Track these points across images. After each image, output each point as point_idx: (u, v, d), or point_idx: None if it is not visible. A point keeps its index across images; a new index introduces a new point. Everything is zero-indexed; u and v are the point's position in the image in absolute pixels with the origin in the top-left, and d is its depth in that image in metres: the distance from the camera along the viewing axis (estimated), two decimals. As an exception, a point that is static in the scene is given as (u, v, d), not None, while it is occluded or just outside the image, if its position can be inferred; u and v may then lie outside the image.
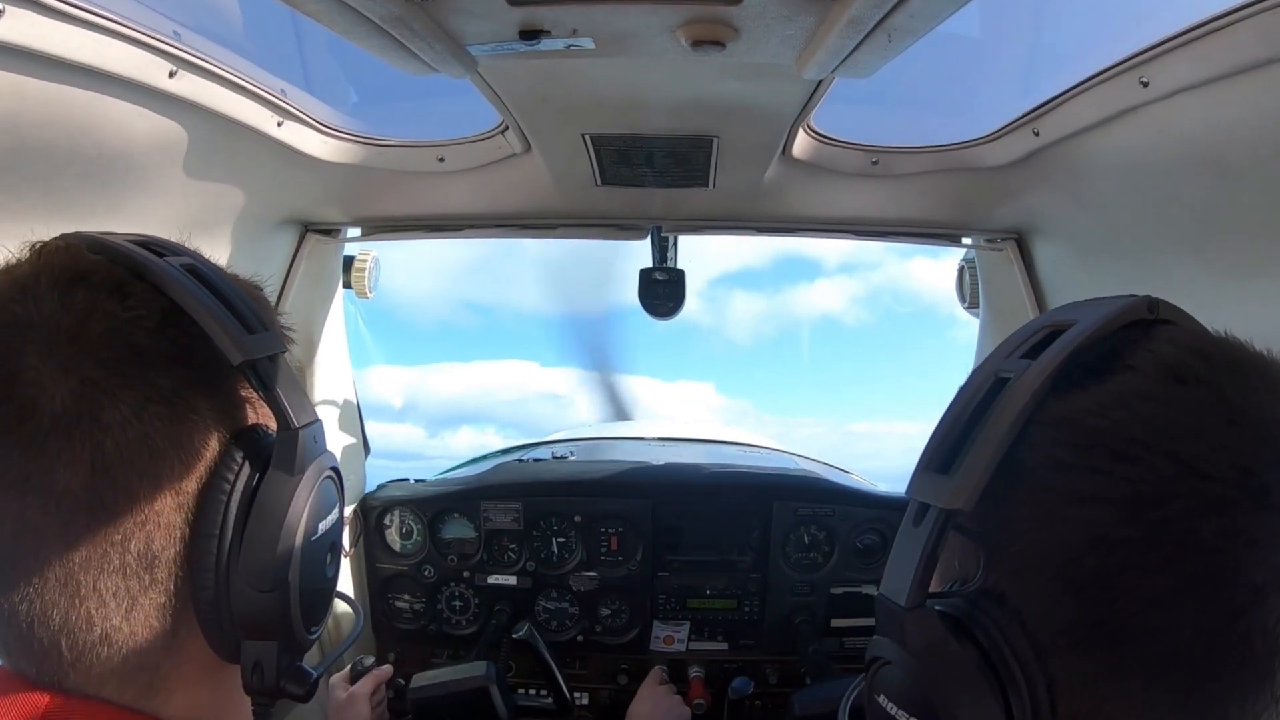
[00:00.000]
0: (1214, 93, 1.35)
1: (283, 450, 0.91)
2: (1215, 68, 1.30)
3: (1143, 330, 0.78)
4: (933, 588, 0.82)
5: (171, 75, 1.51)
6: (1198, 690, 0.68)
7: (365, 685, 2.36)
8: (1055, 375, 0.75)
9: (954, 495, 0.74)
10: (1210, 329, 0.80)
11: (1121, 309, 0.78)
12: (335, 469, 1.00)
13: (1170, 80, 1.41)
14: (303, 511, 0.92)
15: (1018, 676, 0.72)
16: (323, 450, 0.97)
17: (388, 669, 2.49)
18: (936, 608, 0.78)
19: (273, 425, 0.93)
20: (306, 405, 0.94)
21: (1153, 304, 0.80)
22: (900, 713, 0.78)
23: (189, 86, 1.57)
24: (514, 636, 2.45)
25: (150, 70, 1.47)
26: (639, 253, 2.65)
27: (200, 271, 0.91)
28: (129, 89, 1.47)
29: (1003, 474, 0.74)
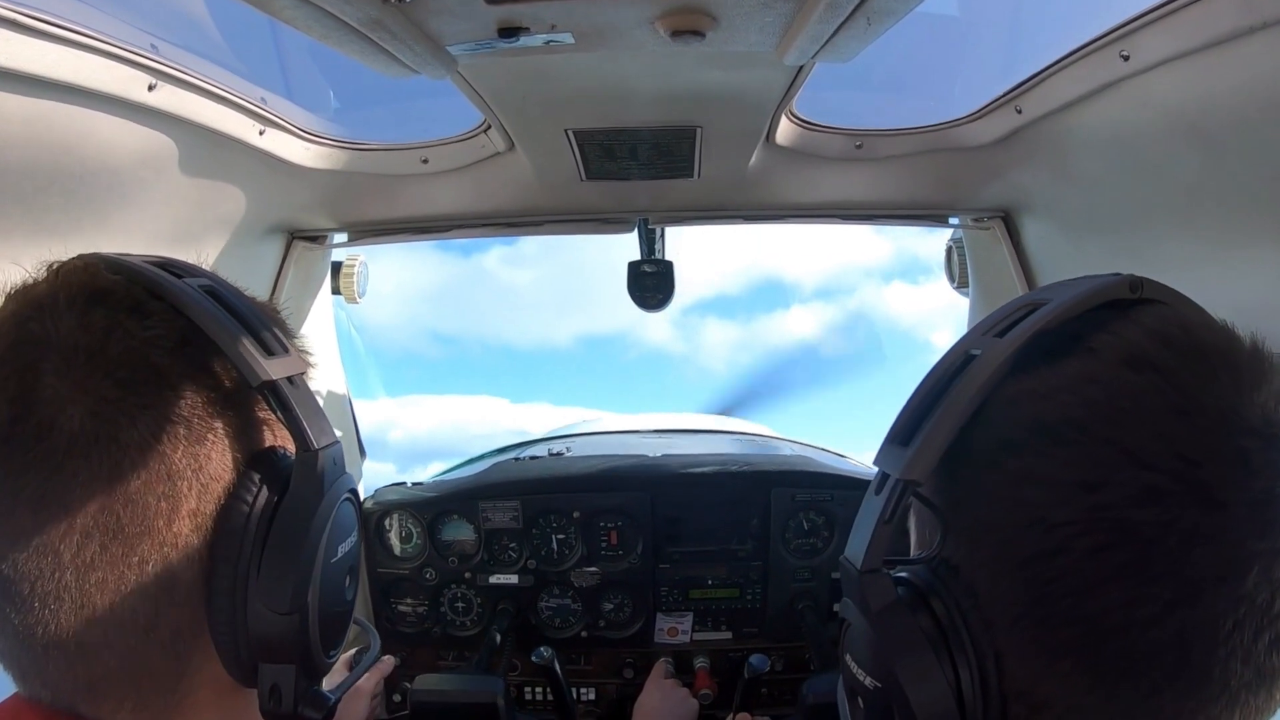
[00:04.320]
0: (1195, 64, 1.35)
1: (302, 472, 0.90)
2: (1196, 39, 1.30)
3: (1118, 311, 0.78)
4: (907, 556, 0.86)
5: (151, 88, 1.51)
6: (1128, 680, 0.68)
7: (369, 680, 2.36)
8: (1017, 354, 0.76)
9: (910, 466, 0.77)
10: (1213, 313, 0.80)
11: (1095, 289, 0.79)
12: (354, 491, 0.99)
13: (1151, 53, 1.41)
14: (322, 534, 0.91)
15: (967, 647, 0.74)
16: (342, 472, 0.96)
17: (390, 661, 2.51)
18: (895, 574, 0.81)
19: (291, 447, 0.92)
20: (326, 427, 0.93)
21: (1135, 283, 0.80)
22: (860, 671, 0.81)
23: (169, 99, 1.56)
24: (535, 660, 2.45)
25: (130, 84, 1.46)
26: (627, 246, 2.65)
27: (219, 293, 0.90)
28: (109, 104, 1.46)
29: (958, 449, 0.76)
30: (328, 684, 0.98)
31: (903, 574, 0.82)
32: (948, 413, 0.76)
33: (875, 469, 0.82)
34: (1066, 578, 0.69)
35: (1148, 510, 0.66)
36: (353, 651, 2.27)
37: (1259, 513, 0.66)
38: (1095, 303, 0.78)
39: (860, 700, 0.82)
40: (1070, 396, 0.72)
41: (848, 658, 0.83)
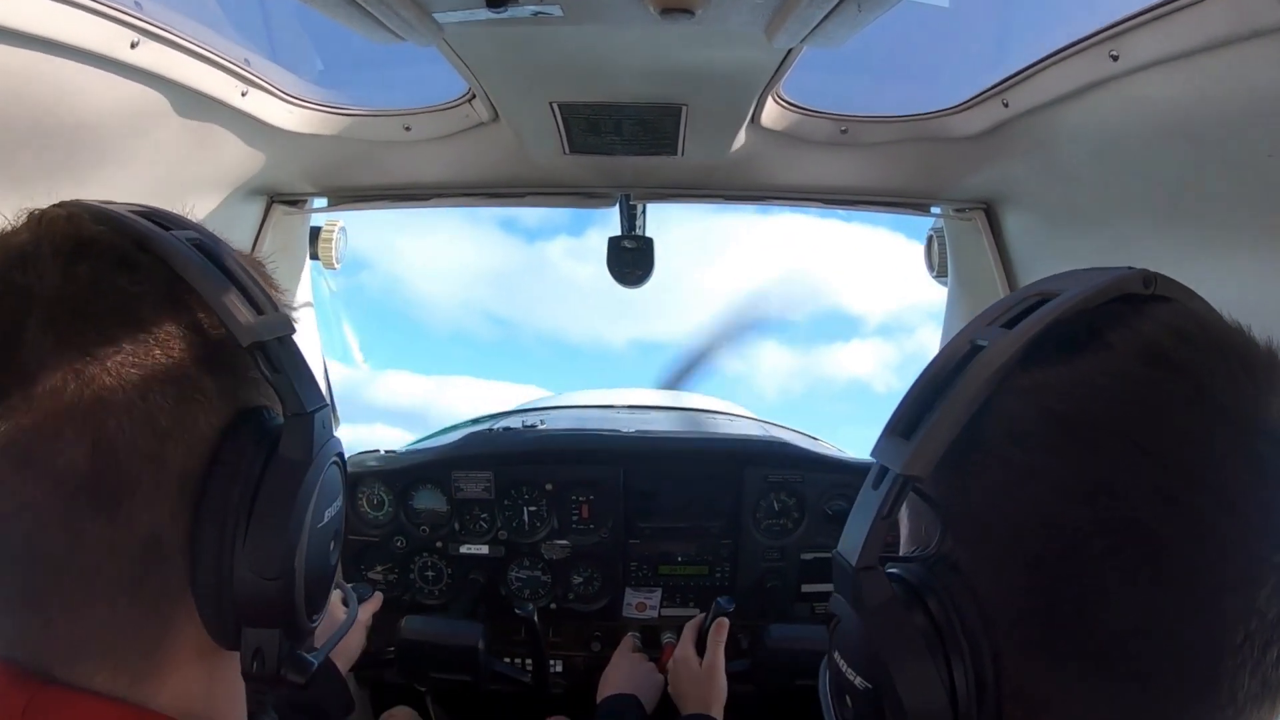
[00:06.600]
0: (1185, 67, 1.35)
1: (291, 435, 0.88)
2: (1186, 43, 1.30)
3: (1132, 306, 0.74)
4: (902, 553, 0.83)
5: (133, 46, 1.48)
6: (1135, 685, 0.66)
7: (364, 611, 2.42)
8: (1028, 347, 0.72)
9: (911, 461, 0.72)
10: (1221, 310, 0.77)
11: (1110, 282, 0.75)
12: (341, 455, 0.97)
13: (1141, 54, 1.41)
14: (310, 498, 0.89)
15: (963, 646, 0.71)
16: (330, 436, 0.94)
17: (379, 597, 2.54)
18: (891, 570, 0.78)
19: (280, 408, 0.89)
20: (315, 389, 0.91)
21: (1149, 278, 0.76)
22: (850, 671, 0.78)
23: (151, 57, 1.54)
24: (517, 611, 2.50)
25: (111, 41, 1.44)
26: (609, 221, 2.65)
27: (207, 246, 0.87)
28: (90, 60, 1.44)
29: (962, 443, 0.72)
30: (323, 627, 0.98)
31: (897, 570, 0.79)
32: (953, 405, 0.72)
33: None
34: (1074, 580, 0.66)
35: (1164, 513, 0.64)
36: (349, 586, 2.29)
37: (1273, 522, 0.64)
38: (1108, 296, 0.74)
39: (849, 700, 0.79)
40: (1084, 391, 0.69)
41: (836, 656, 0.80)
